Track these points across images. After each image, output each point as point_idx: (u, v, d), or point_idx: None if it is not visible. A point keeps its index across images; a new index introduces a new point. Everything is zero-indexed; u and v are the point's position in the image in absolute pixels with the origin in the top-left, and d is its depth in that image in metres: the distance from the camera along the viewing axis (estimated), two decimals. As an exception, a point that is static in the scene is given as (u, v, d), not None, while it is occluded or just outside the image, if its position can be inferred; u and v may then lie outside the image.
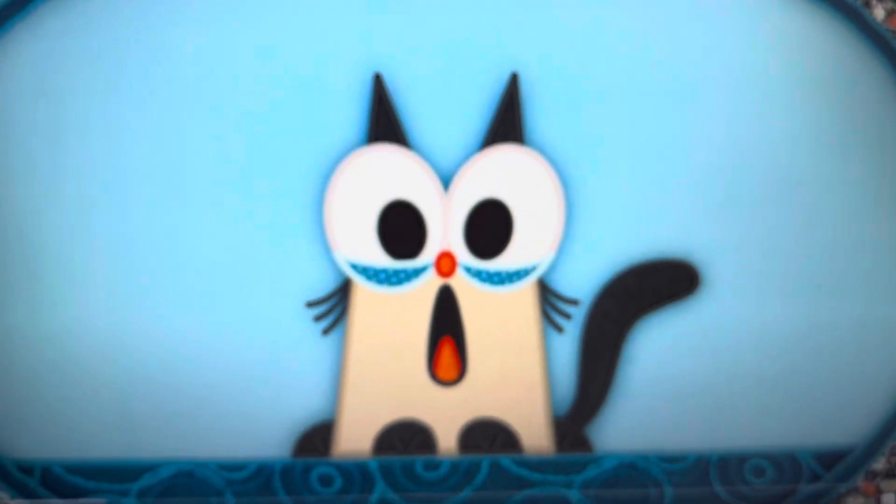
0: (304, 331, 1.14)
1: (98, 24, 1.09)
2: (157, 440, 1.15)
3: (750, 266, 1.17)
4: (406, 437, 1.17)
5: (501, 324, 1.16)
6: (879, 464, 1.22)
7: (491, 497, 1.18)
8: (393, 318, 1.15)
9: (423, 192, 1.12)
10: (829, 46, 1.15)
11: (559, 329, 1.17)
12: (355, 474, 1.17)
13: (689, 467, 1.20)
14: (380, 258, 1.13)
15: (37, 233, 1.11)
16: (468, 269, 1.14)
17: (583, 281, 1.16)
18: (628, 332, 1.17)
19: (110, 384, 1.14)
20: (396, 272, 1.14)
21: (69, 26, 1.08)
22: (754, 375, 1.19)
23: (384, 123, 1.11)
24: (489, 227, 1.14)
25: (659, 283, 1.16)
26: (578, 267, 1.16)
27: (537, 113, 1.13)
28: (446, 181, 1.13)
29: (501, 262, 1.15)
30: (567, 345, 1.17)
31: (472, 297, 1.15)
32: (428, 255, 1.14)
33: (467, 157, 1.12)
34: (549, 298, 1.16)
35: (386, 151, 1.12)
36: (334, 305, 1.14)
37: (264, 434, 1.16)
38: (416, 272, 1.14)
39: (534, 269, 1.15)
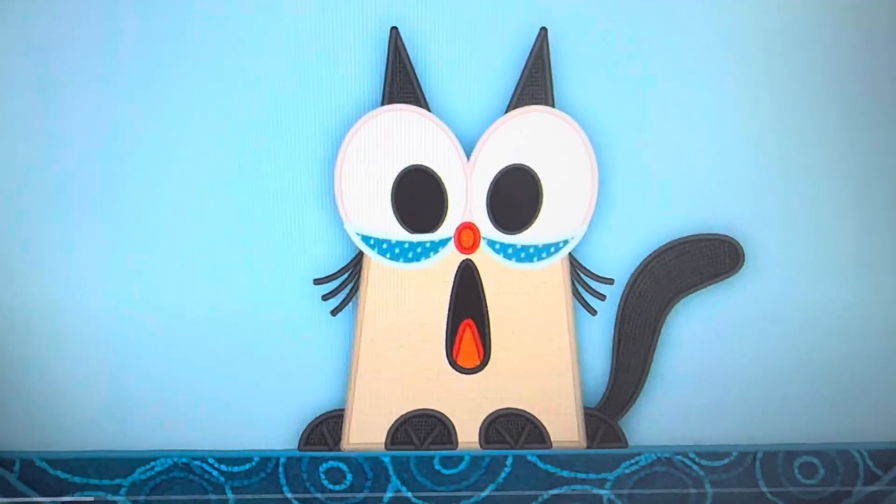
0: (312, 311, 1.05)
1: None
2: (152, 430, 1.06)
3: (798, 242, 1.07)
4: (423, 429, 1.07)
5: (528, 304, 1.06)
6: (941, 463, 1.12)
7: (516, 496, 1.09)
8: (409, 298, 1.05)
9: (443, 158, 1.03)
10: (885, 8, 1.06)
11: (592, 311, 1.07)
12: (367, 469, 1.07)
13: (731, 464, 1.10)
14: (395, 230, 1.04)
15: (22, 200, 1.02)
16: (492, 244, 1.05)
17: (617, 258, 1.06)
18: (667, 314, 1.07)
19: (100, 368, 1.04)
20: (413, 246, 1.04)
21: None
22: (803, 361, 1.09)
23: (401, 82, 1.02)
24: (515, 197, 1.04)
25: (700, 261, 1.07)
26: (613, 242, 1.06)
27: (568, 72, 1.03)
28: (468, 146, 1.03)
29: (528, 237, 1.05)
30: (600, 328, 1.07)
31: (496, 275, 1.05)
32: (448, 227, 1.04)
33: (492, 119, 1.03)
34: (580, 277, 1.06)
35: (402, 113, 1.02)
36: (344, 282, 1.04)
37: (268, 424, 1.06)
38: (435, 246, 1.04)
39: (564, 244, 1.05)
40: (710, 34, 1.05)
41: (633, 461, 1.09)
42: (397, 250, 1.04)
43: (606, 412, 1.08)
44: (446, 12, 1.02)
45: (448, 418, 1.07)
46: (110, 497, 1.06)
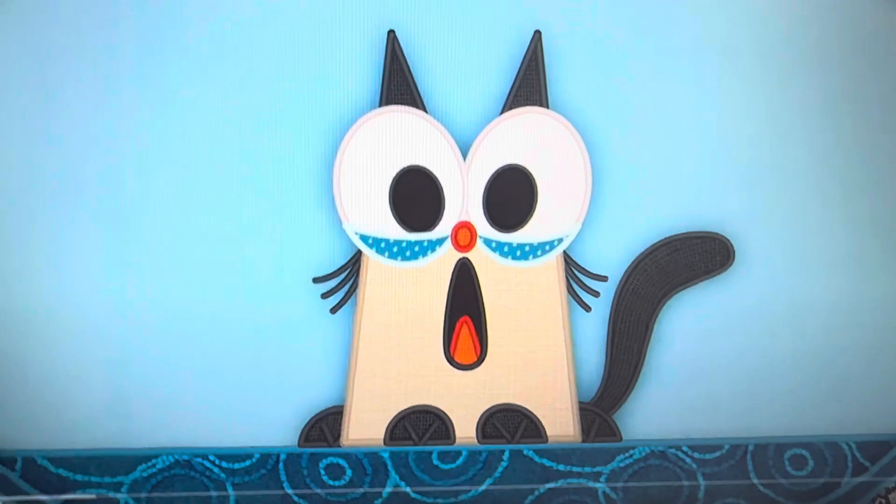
0: (311, 309, 1.06)
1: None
2: (153, 428, 1.06)
3: (787, 239, 1.10)
4: (421, 425, 1.09)
5: (524, 302, 1.08)
6: (928, 454, 1.15)
7: (512, 489, 1.10)
8: (407, 296, 1.07)
9: (440, 158, 1.05)
10: (868, 8, 1.08)
11: (586, 307, 1.09)
12: (366, 465, 1.08)
13: (723, 457, 1.12)
14: (393, 230, 1.05)
15: (23, 199, 1.03)
16: (488, 242, 1.06)
17: (611, 255, 1.08)
18: (659, 310, 1.09)
19: (101, 367, 1.05)
20: (410, 245, 1.06)
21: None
22: (793, 356, 1.11)
23: (398, 84, 1.03)
24: (511, 196, 1.06)
25: (691, 258, 1.09)
26: (606, 240, 1.08)
27: (562, 74, 1.05)
28: (465, 147, 1.05)
29: (524, 235, 1.07)
30: (594, 324, 1.09)
31: (493, 273, 1.07)
32: (445, 226, 1.06)
33: (487, 120, 1.05)
34: (574, 274, 1.08)
35: (400, 114, 1.04)
36: (343, 281, 1.06)
37: (268, 421, 1.07)
38: (432, 245, 1.06)
39: (559, 242, 1.07)
40: (699, 37, 1.07)
41: (627, 454, 1.11)
42: (395, 249, 1.06)
43: (601, 407, 1.10)
44: (442, 16, 1.04)
45: (446, 414, 1.09)
46: (112, 494, 1.07)
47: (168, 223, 1.04)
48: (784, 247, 1.10)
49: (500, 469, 1.10)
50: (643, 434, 1.11)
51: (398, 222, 1.05)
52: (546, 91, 1.05)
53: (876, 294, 1.11)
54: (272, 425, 1.07)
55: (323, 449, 1.08)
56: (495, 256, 1.07)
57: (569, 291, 1.08)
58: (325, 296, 1.06)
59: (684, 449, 1.11)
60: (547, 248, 1.07)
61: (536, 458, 1.10)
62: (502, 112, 1.05)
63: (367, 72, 1.04)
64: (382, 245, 1.05)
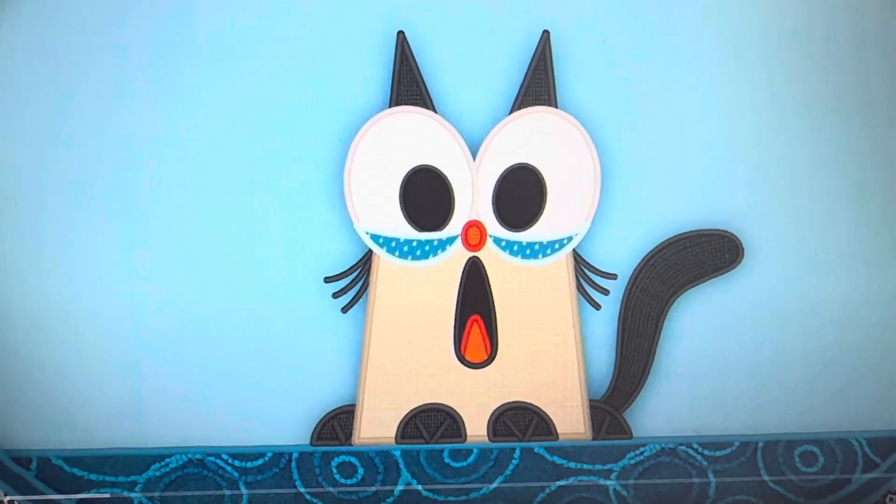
0: (323, 308, 1.07)
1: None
2: (166, 428, 1.07)
3: (796, 237, 1.10)
4: (432, 423, 1.09)
5: (534, 300, 1.08)
6: (938, 451, 1.15)
7: (523, 487, 1.10)
8: (417, 295, 1.07)
9: (450, 158, 1.05)
10: (873, 8, 1.09)
11: (596, 305, 1.09)
12: (378, 463, 1.09)
13: (734, 453, 1.12)
14: (403, 229, 1.06)
15: (37, 201, 1.04)
16: (498, 241, 1.07)
17: (620, 253, 1.09)
18: (669, 307, 1.09)
19: (115, 368, 1.06)
20: (421, 244, 1.06)
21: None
22: (802, 353, 1.11)
23: (408, 85, 1.04)
24: (520, 195, 1.07)
25: (700, 256, 1.09)
26: (615, 238, 1.08)
27: (570, 73, 1.06)
28: (474, 146, 1.06)
29: (533, 234, 1.07)
30: (604, 322, 1.10)
31: (503, 271, 1.08)
32: (455, 225, 1.07)
33: (496, 120, 1.06)
34: (584, 272, 1.09)
35: (410, 114, 1.05)
36: (354, 280, 1.07)
37: (280, 420, 1.08)
38: (443, 244, 1.07)
39: (568, 240, 1.08)
40: (706, 36, 1.08)
41: (637, 452, 1.11)
42: (406, 248, 1.06)
43: (611, 404, 1.10)
44: (451, 17, 1.05)
45: (457, 412, 1.09)
46: (126, 494, 1.07)
47: (180, 224, 1.05)
48: (792, 244, 1.10)
49: (511, 467, 1.10)
50: (653, 431, 1.11)
51: (409, 222, 1.06)
52: (555, 90, 1.06)
53: (885, 290, 1.12)
54: (284, 424, 1.08)
55: (335, 447, 1.08)
56: (505, 255, 1.07)
57: (578, 289, 1.09)
58: (336, 295, 1.07)
59: (695, 446, 1.12)
60: (556, 246, 1.08)
61: (547, 456, 1.10)
62: (511, 112, 1.06)
63: (377, 73, 1.05)
64: (393, 244, 1.06)
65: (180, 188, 1.05)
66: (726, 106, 1.08)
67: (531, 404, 1.10)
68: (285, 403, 1.08)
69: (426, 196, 1.06)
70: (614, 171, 1.08)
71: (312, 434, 1.08)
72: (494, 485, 1.10)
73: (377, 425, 1.09)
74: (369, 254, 1.06)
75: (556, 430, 1.10)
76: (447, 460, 1.10)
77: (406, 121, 1.05)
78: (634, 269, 1.09)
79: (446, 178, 1.06)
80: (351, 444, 1.08)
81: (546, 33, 1.05)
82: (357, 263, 1.06)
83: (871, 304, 1.12)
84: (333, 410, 1.08)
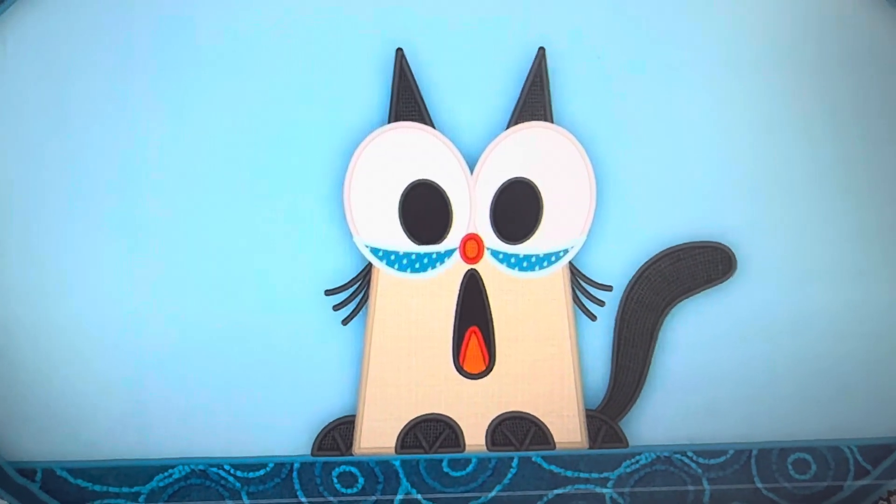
0: (324, 320, 1.08)
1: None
2: (170, 439, 1.08)
3: (788, 248, 1.12)
4: (431, 433, 1.11)
5: (531, 312, 1.10)
6: (929, 458, 1.17)
7: (521, 496, 1.12)
8: (416, 307, 1.09)
9: (448, 173, 1.07)
10: (865, 23, 1.11)
11: (592, 317, 1.11)
12: (378, 473, 1.11)
13: (728, 461, 1.14)
14: (403, 242, 1.08)
15: (41, 217, 1.05)
16: (495, 254, 1.09)
17: (615, 265, 1.11)
18: (663, 318, 1.11)
19: (118, 379, 1.07)
20: (420, 257, 1.08)
21: (76, 1, 1.03)
22: (795, 362, 1.13)
23: (406, 101, 1.06)
24: (517, 209, 1.09)
25: (694, 268, 1.11)
26: (611, 251, 1.10)
27: (566, 89, 1.08)
28: (472, 161, 1.08)
29: (530, 246, 1.09)
30: (600, 333, 1.12)
31: (500, 284, 1.09)
32: (453, 238, 1.08)
33: (493, 135, 1.08)
34: (580, 284, 1.11)
35: (408, 130, 1.07)
36: (355, 293, 1.08)
37: (282, 431, 1.09)
38: (441, 257, 1.09)
39: (564, 253, 1.10)
40: (700, 51, 1.10)
41: (633, 460, 1.13)
42: (405, 261, 1.08)
43: (607, 414, 1.12)
44: (449, 34, 1.07)
45: (455, 422, 1.11)
46: (130, 504, 1.09)
47: (183, 238, 1.07)
48: (785, 256, 1.12)
49: (509, 476, 1.12)
50: (649, 440, 1.13)
51: (407, 235, 1.08)
52: (550, 106, 1.08)
53: (876, 302, 1.14)
54: (286, 435, 1.09)
55: (336, 458, 1.10)
56: (502, 268, 1.09)
57: (574, 301, 1.11)
58: (336, 307, 1.08)
59: (689, 454, 1.13)
60: (553, 258, 1.10)
61: (545, 465, 1.12)
62: (508, 127, 1.08)
63: (376, 89, 1.06)
64: (392, 257, 1.08)
65: (182, 202, 1.06)
66: (720, 120, 1.10)
67: (529, 414, 1.12)
68: (286, 414, 1.09)
69: (425, 210, 1.08)
70: (609, 185, 1.09)
71: (313, 444, 1.09)
72: (493, 493, 1.12)
73: (377, 436, 1.10)
74: (369, 267, 1.08)
75: (553, 440, 1.12)
76: (446, 469, 1.11)
77: (405, 136, 1.07)
78: (629, 281, 1.11)
79: (444, 192, 1.08)
80: (351, 455, 1.10)
81: (542, 50, 1.07)
82: (357, 276, 1.08)
83: (862, 315, 1.14)
84: (334, 421, 1.10)
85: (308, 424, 1.09)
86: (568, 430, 1.12)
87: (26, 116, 1.05)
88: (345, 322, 1.09)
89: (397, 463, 1.11)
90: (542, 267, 1.10)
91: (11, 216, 1.06)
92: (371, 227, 1.07)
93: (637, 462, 1.13)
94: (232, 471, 1.09)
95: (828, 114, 1.12)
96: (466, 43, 1.07)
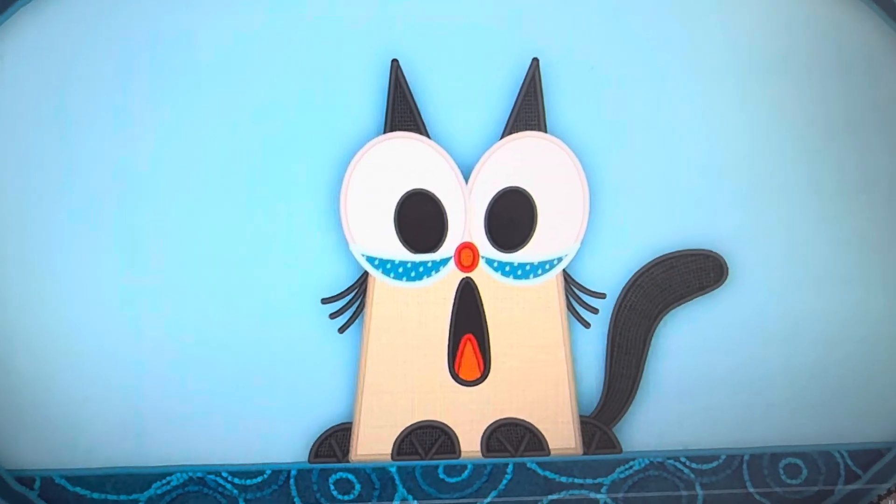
0: (320, 329, 1.09)
1: (105, 11, 1.05)
2: (167, 446, 1.09)
3: (778, 256, 1.14)
4: (427, 439, 1.12)
5: (525, 319, 1.11)
6: (918, 462, 1.18)
7: (517, 501, 1.13)
8: (412, 315, 1.10)
9: (443, 182, 1.09)
10: (855, 33, 1.13)
11: (585, 324, 1.12)
12: (375, 479, 1.11)
13: (720, 467, 1.15)
14: (398, 251, 1.09)
15: (40, 226, 1.06)
16: (490, 262, 1.10)
17: (609, 273, 1.12)
18: (656, 325, 1.13)
19: (117, 388, 1.08)
20: (415, 266, 1.09)
21: (74, 13, 1.05)
22: (784, 369, 1.15)
23: (402, 111, 1.07)
24: (512, 217, 1.10)
25: (686, 275, 1.12)
26: (604, 259, 1.12)
27: (559, 99, 1.09)
28: (466, 170, 1.09)
29: (524, 255, 1.10)
30: (594, 340, 1.13)
31: (495, 292, 1.11)
32: (448, 247, 1.10)
33: (488, 145, 1.09)
34: (574, 292, 1.12)
35: (404, 140, 1.08)
36: (351, 301, 1.09)
37: (279, 438, 1.10)
38: (436, 265, 1.10)
39: (558, 261, 1.11)
40: (693, 62, 1.11)
41: (627, 466, 1.14)
42: (401, 270, 1.09)
43: (601, 420, 1.13)
44: (444, 45, 1.08)
45: (451, 429, 1.12)
46: (128, 512, 1.10)
47: (181, 248, 1.08)
48: (776, 264, 1.14)
49: (504, 481, 1.13)
50: (642, 446, 1.14)
51: (403, 244, 1.09)
52: (544, 116, 1.09)
53: (866, 309, 1.15)
54: (283, 442, 1.10)
55: (332, 464, 1.11)
56: (497, 276, 1.10)
57: (568, 308, 1.12)
58: (333, 316, 1.09)
59: (682, 460, 1.15)
60: (547, 266, 1.11)
61: (539, 471, 1.13)
62: (502, 137, 1.09)
63: (372, 100, 1.08)
64: (388, 266, 1.09)
65: (180, 212, 1.07)
66: (711, 130, 1.12)
67: (523, 420, 1.13)
68: (284, 422, 1.10)
69: (420, 219, 1.09)
70: (603, 194, 1.11)
71: (310, 451, 1.10)
72: (488, 499, 1.13)
73: (374, 442, 1.11)
74: (365, 275, 1.09)
75: (547, 446, 1.13)
76: (442, 476, 1.12)
77: (400, 146, 1.08)
78: (623, 289, 1.12)
79: (439, 201, 1.09)
80: (348, 461, 1.11)
81: (535, 61, 1.08)
82: (353, 285, 1.09)
83: (852, 322, 1.15)
84: (331, 428, 1.11)
85: (305, 431, 1.10)
86: (562, 436, 1.13)
87: (25, 127, 1.06)
88: (341, 330, 1.10)
89: (394, 469, 1.12)
90: (536, 275, 1.11)
91: (9, 226, 1.07)
92: (367, 237, 1.08)
93: (631, 467, 1.14)
94: (229, 478, 1.10)
95: (819, 123, 1.13)
96: (461, 54, 1.08)
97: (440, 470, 1.12)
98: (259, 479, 1.10)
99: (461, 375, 1.12)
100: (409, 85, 1.08)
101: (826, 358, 1.15)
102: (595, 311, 1.12)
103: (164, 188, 1.07)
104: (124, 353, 1.08)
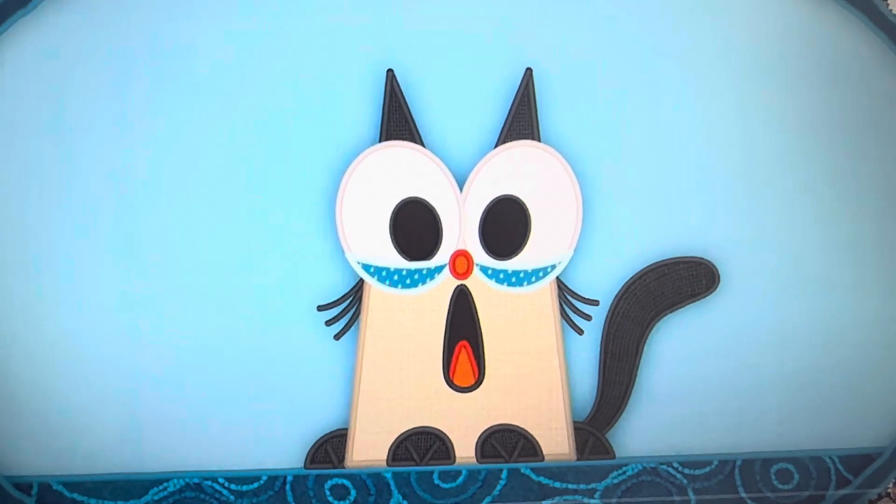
0: (316, 336, 1.10)
1: (104, 21, 1.06)
2: (165, 453, 1.10)
3: (770, 264, 1.15)
4: (422, 445, 1.13)
5: (519, 326, 1.13)
6: (909, 467, 1.19)
7: (511, 507, 1.14)
8: (407, 322, 1.11)
9: (438, 190, 1.10)
10: (843, 40, 1.15)
11: (579, 331, 1.14)
12: (370, 485, 1.12)
13: (712, 472, 1.16)
14: (393, 259, 1.10)
15: (39, 233, 1.07)
16: (484, 270, 1.11)
17: (602, 281, 1.13)
18: (649, 332, 1.14)
19: (115, 395, 1.09)
20: (410, 273, 1.11)
21: (73, 22, 1.06)
22: (776, 375, 1.16)
23: (397, 120, 1.09)
24: (506, 225, 1.11)
25: (678, 282, 1.14)
26: (597, 266, 1.13)
27: (553, 108, 1.11)
28: (461, 179, 1.10)
29: (518, 262, 1.12)
30: (587, 347, 1.14)
31: (489, 299, 1.12)
32: (443, 255, 1.11)
33: (482, 153, 1.10)
34: (567, 299, 1.13)
35: (399, 149, 1.09)
36: (346, 308, 1.10)
37: (275, 444, 1.11)
38: (431, 273, 1.11)
39: (552, 268, 1.12)
40: (684, 71, 1.13)
41: (620, 471, 1.15)
42: (396, 277, 1.10)
43: (595, 426, 1.14)
44: (438, 55, 1.09)
45: (446, 435, 1.13)
46: (125, 517, 1.11)
47: (178, 255, 1.09)
48: (767, 271, 1.15)
49: (498, 487, 1.14)
50: (635, 451, 1.15)
51: (398, 252, 1.10)
52: (538, 125, 1.11)
53: (857, 315, 1.17)
54: (279, 448, 1.11)
55: (328, 470, 1.12)
56: (491, 283, 1.12)
57: (562, 315, 1.13)
58: (329, 323, 1.11)
59: (675, 465, 1.16)
60: (541, 274, 1.12)
61: (533, 476, 1.14)
62: (496, 145, 1.10)
63: (368, 109, 1.09)
64: (383, 273, 1.10)
65: (178, 220, 1.08)
66: (703, 138, 1.13)
67: (517, 426, 1.14)
68: (280, 428, 1.11)
69: (415, 227, 1.10)
70: (596, 202, 1.12)
71: (306, 457, 1.11)
72: (483, 505, 1.14)
73: (369, 448, 1.12)
74: (361, 283, 1.10)
75: (541, 451, 1.14)
76: (437, 481, 1.13)
77: (395, 155, 1.09)
78: (615, 296, 1.13)
79: (434, 209, 1.10)
80: (344, 467, 1.12)
81: (529, 70, 1.10)
82: (349, 292, 1.10)
83: (843, 328, 1.16)
84: (326, 434, 1.11)
85: (301, 438, 1.11)
86: (556, 441, 1.14)
87: (24, 135, 1.07)
88: (337, 337, 1.11)
89: (389, 475, 1.13)
90: (530, 282, 1.12)
91: (8, 233, 1.08)
92: (363, 244, 1.10)
93: (624, 473, 1.15)
94: (226, 484, 1.11)
95: (810, 131, 1.15)
96: (456, 64, 1.10)
97: (435, 476, 1.13)
98: (255, 485, 1.11)
99: (456, 382, 1.13)
100: (405, 94, 1.09)
101: (817, 364, 1.16)
102: (588, 318, 1.14)
103: (161, 196, 1.08)
104: (122, 359, 1.09)
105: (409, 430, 1.13)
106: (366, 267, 1.10)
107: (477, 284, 1.11)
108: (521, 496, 1.14)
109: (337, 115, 1.09)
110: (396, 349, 1.11)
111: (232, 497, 1.11)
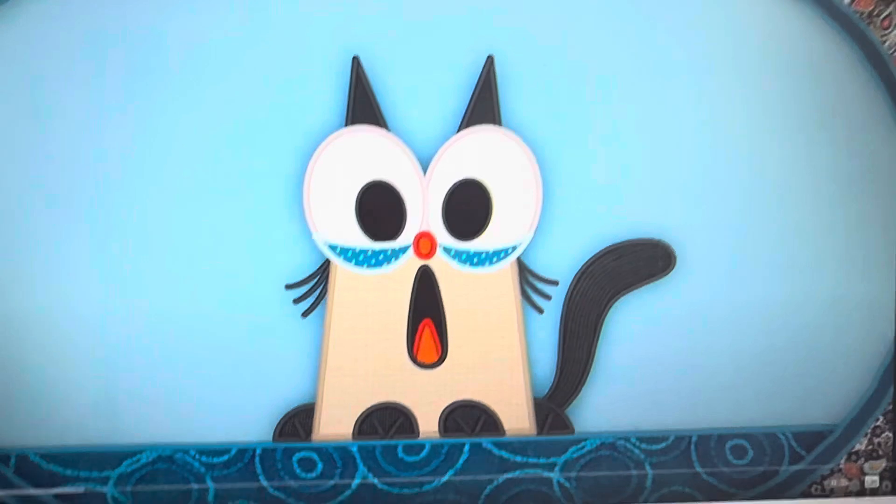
0: (285, 313, 1.14)
1: (77, 9, 1.09)
2: (138, 425, 1.14)
3: (725, 245, 1.18)
4: (387, 420, 1.17)
5: (481, 305, 1.16)
6: (861, 444, 1.23)
7: (472, 480, 1.18)
8: (372, 300, 1.15)
9: (402, 173, 1.13)
10: (797, 30, 1.17)
11: (539, 310, 1.17)
12: (336, 458, 1.16)
13: (669, 447, 1.20)
14: (359, 240, 1.14)
15: (12, 213, 1.11)
16: (447, 250, 1.15)
17: (561, 261, 1.17)
18: (607, 311, 1.17)
19: (89, 369, 1.13)
20: (376, 254, 1.14)
21: (47, 10, 1.09)
22: (732, 354, 1.20)
23: (362, 105, 1.12)
24: (468, 207, 1.15)
25: (636, 263, 1.17)
26: (557, 247, 1.16)
27: (513, 94, 1.14)
28: (425, 162, 1.14)
29: (480, 243, 1.15)
30: (547, 326, 1.18)
31: (452, 279, 1.16)
32: (407, 236, 1.14)
33: (445, 138, 1.14)
34: (528, 279, 1.17)
35: (364, 133, 1.13)
36: (314, 287, 1.14)
37: (245, 418, 1.15)
38: (396, 253, 1.15)
39: (513, 249, 1.16)
40: (641, 56, 1.16)
41: (579, 446, 1.19)
42: (361, 257, 1.14)
43: (554, 402, 1.18)
44: (403, 43, 1.13)
45: (410, 410, 1.17)
46: (99, 488, 1.14)
47: (152, 235, 1.12)
48: (722, 252, 1.19)
49: (460, 461, 1.18)
50: (594, 427, 1.19)
51: (364, 232, 1.14)
52: (499, 110, 1.14)
53: (809, 296, 1.20)
54: (249, 422, 1.15)
55: (296, 444, 1.15)
56: (454, 263, 1.15)
57: (523, 295, 1.17)
58: (297, 301, 1.14)
59: (633, 440, 1.19)
60: (502, 255, 1.16)
61: (495, 451, 1.18)
62: (459, 130, 1.14)
63: (334, 95, 1.12)
64: (349, 254, 1.14)
65: (151, 203, 1.12)
66: (660, 123, 1.16)
67: (479, 402, 1.18)
68: (249, 402, 1.15)
69: (380, 209, 1.14)
70: (555, 185, 1.16)
71: (275, 431, 1.15)
72: (445, 478, 1.18)
73: (335, 422, 1.16)
74: (327, 263, 1.14)
75: (502, 427, 1.18)
76: (401, 455, 1.17)
77: (361, 139, 1.13)
78: (574, 276, 1.17)
79: (399, 191, 1.14)
80: (311, 441, 1.16)
81: (490, 58, 1.13)
82: (316, 271, 1.14)
83: (795, 308, 1.20)
84: (294, 409, 1.15)
85: (270, 412, 1.15)
86: (517, 417, 1.18)
87: (4, 121, 1.10)
88: (304, 315, 1.15)
89: (354, 448, 1.16)
90: (491, 263, 1.16)
91: (-12, 214, 1.11)
92: (329, 225, 1.13)
93: (583, 448, 1.19)
94: (197, 456, 1.15)
95: (766, 115, 1.18)
96: (420, 51, 1.13)
97: (399, 449, 1.17)
98: (225, 457, 1.15)
99: (420, 359, 1.16)
100: (370, 81, 1.12)
101: (771, 343, 1.20)
102: (548, 297, 1.17)
103: (133, 180, 1.11)
104: (96, 337, 1.12)
105: (374, 405, 1.16)
106: (332, 247, 1.14)
107: (440, 265, 1.15)
108: (483, 469, 1.18)
109: (304, 101, 1.12)
110: (362, 327, 1.15)
111: (203, 469, 1.15)
